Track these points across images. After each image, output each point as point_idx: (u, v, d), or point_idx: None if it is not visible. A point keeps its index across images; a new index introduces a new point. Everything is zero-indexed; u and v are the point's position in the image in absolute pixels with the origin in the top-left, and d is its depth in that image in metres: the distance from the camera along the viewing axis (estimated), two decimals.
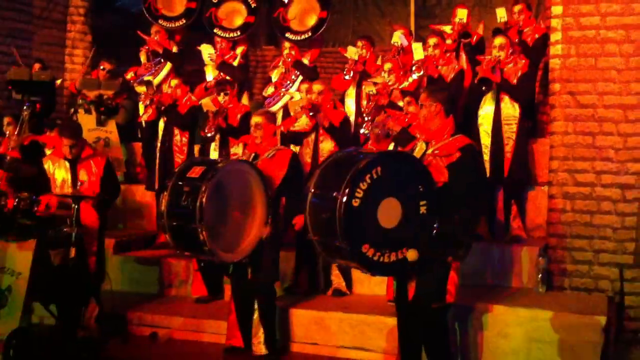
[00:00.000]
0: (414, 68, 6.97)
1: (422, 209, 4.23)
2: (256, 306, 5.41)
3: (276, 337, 5.49)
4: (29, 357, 5.16)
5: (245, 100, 8.22)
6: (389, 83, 6.92)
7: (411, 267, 4.24)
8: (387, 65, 7.10)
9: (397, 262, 4.19)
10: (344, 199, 3.99)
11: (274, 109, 7.76)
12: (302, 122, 6.76)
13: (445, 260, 4.36)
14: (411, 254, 4.17)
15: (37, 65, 8.29)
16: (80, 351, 5.52)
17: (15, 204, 5.53)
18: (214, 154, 7.05)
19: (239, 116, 7.05)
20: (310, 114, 6.56)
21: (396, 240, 4.17)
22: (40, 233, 5.45)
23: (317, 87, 6.73)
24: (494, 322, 5.33)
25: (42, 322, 5.90)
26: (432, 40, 7.12)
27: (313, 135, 6.64)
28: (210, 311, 6.15)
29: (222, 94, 7.08)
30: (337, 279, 6.29)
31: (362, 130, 6.48)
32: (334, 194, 4.03)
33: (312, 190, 4.28)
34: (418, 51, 7.03)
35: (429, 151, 4.48)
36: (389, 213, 4.14)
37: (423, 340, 4.50)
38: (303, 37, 8.27)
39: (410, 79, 7.01)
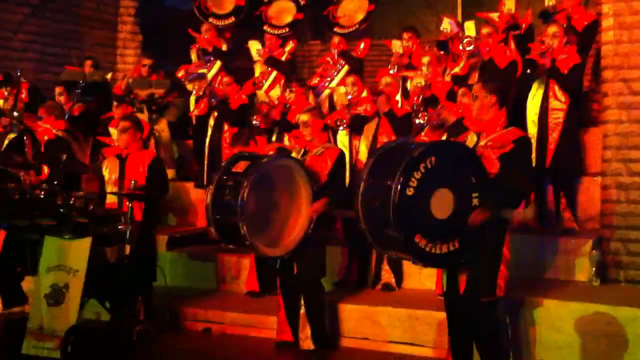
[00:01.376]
0: (465, 41, 6.91)
1: (475, 201, 4.20)
2: (302, 301, 5.45)
3: (325, 332, 5.51)
4: (86, 352, 5.26)
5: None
6: (428, 76, 6.88)
7: (461, 259, 4.21)
8: (425, 59, 7.06)
9: (449, 254, 4.16)
10: (399, 187, 3.97)
11: (320, 98, 7.81)
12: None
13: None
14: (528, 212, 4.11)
15: (89, 62, 8.47)
16: (135, 346, 5.67)
17: (71, 202, 5.67)
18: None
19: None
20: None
21: (448, 231, 4.14)
22: (95, 230, 5.56)
23: (350, 79, 6.84)
24: (547, 316, 5.24)
25: (98, 317, 6.04)
26: (485, 30, 7.02)
27: (374, 127, 6.59)
28: (262, 306, 6.20)
29: (288, 90, 7.14)
30: (387, 274, 6.28)
31: (417, 120, 6.44)
32: (388, 183, 4.02)
33: (365, 178, 4.27)
34: (470, 29, 6.97)
35: (482, 143, 4.43)
36: (442, 204, 4.12)
37: (473, 335, 4.47)
38: (351, 30, 8.31)
39: (461, 64, 6.95)
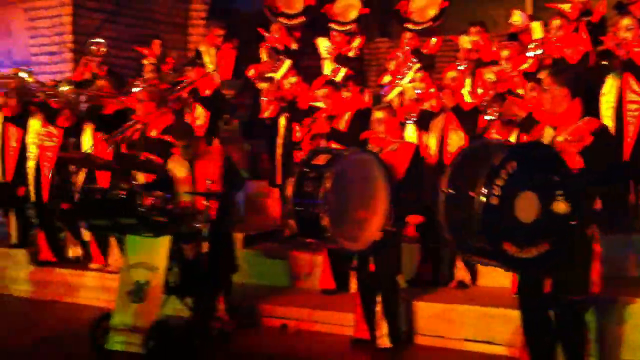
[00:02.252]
0: (532, 46, 6.78)
1: (559, 200, 4.10)
2: (379, 299, 5.45)
3: (400, 329, 5.51)
4: (166, 347, 5.39)
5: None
6: (507, 70, 6.77)
7: (553, 260, 4.15)
8: (505, 53, 6.94)
9: (539, 257, 4.07)
10: (481, 197, 3.91)
11: (388, 97, 7.79)
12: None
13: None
14: (560, 206, 4.04)
15: (157, 42, 8.64)
16: (214, 342, 5.79)
17: (152, 202, 5.83)
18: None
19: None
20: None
21: (535, 234, 4.05)
22: (174, 229, 5.68)
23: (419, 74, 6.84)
24: (635, 315, 5.10)
25: (178, 314, 6.20)
26: (555, 22, 6.88)
27: (441, 122, 6.54)
28: (337, 303, 6.24)
29: (344, 90, 7.17)
30: (461, 272, 6.24)
31: (485, 117, 6.36)
32: (470, 193, 3.98)
33: (445, 189, 4.23)
34: (537, 30, 6.84)
35: (559, 138, 4.35)
36: (527, 207, 4.02)
37: (559, 335, 4.39)
38: (423, 26, 8.26)
39: (530, 60, 6.83)
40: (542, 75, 6.35)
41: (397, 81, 7.86)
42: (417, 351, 5.61)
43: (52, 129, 7.51)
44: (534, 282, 4.41)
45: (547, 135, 4.46)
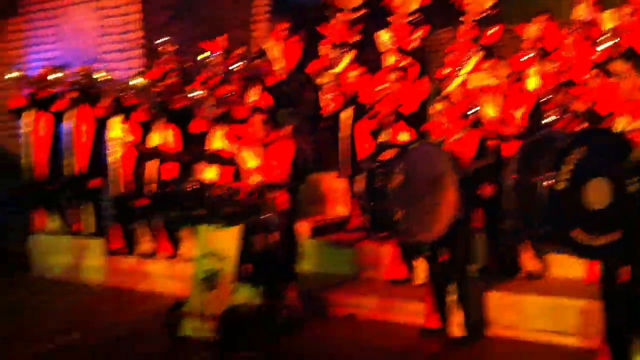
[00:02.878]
0: (603, 37, 6.66)
1: (631, 187, 4.06)
2: (451, 289, 5.47)
3: (472, 319, 5.51)
4: (238, 334, 5.51)
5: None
6: (569, 59, 6.68)
7: (625, 248, 4.10)
8: (568, 41, 6.84)
9: (611, 244, 4.03)
10: (548, 183, 3.91)
11: (449, 88, 7.75)
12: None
13: None
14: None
15: (222, 38, 8.79)
16: (283, 330, 5.89)
17: (220, 193, 5.97)
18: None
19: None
20: None
21: (607, 221, 4.01)
22: (243, 219, 5.81)
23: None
24: None
25: (249, 302, 6.32)
26: (627, 9, 6.74)
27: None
28: (405, 292, 6.26)
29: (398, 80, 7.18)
30: (531, 262, 6.18)
31: (547, 119, 6.26)
32: (537, 179, 3.97)
33: (512, 175, 4.22)
34: (608, 20, 6.71)
35: (633, 125, 4.29)
36: (597, 194, 3.99)
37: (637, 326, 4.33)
38: (482, 16, 8.19)
39: (599, 50, 6.71)
40: (616, 65, 6.26)
41: (456, 72, 7.82)
42: (489, 342, 5.60)
43: (130, 125, 7.73)
44: (609, 271, 4.36)
45: (619, 124, 4.40)
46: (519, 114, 6.41)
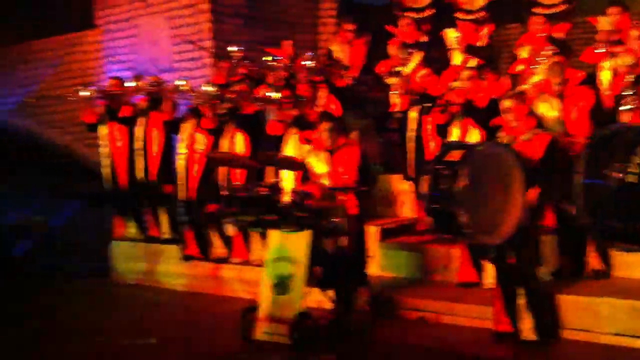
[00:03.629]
0: None
1: None
2: (520, 291, 5.41)
3: (545, 322, 5.45)
4: (310, 338, 5.62)
5: None
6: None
7: None
8: (634, 32, 6.63)
9: None
10: (618, 176, 3.82)
11: (524, 86, 7.62)
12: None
13: None
14: None
15: (288, 43, 8.91)
16: (354, 333, 5.96)
17: (291, 198, 6.07)
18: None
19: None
20: None
21: None
22: (314, 224, 5.89)
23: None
24: None
25: (320, 306, 6.42)
26: None
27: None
28: (476, 296, 6.23)
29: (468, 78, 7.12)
30: (596, 260, 6.06)
31: (622, 108, 6.10)
32: (606, 173, 3.88)
33: (581, 171, 4.15)
34: None
35: None
36: None
37: None
38: (554, 10, 8.01)
39: None
40: None
41: (532, 67, 7.67)
42: (564, 345, 5.52)
43: (201, 131, 7.93)
44: None
45: None
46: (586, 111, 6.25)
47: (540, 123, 6.17)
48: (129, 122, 8.57)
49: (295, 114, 7.52)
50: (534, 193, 5.33)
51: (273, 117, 7.65)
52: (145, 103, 8.48)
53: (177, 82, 8.13)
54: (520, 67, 7.83)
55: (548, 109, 6.24)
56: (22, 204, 11.35)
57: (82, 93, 8.44)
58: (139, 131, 8.51)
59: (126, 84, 8.62)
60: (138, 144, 8.49)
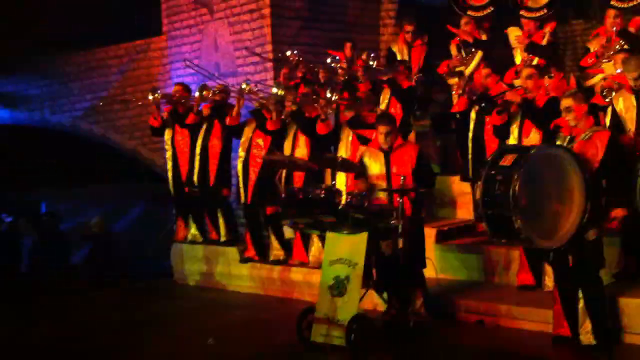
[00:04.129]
0: None
1: None
2: (581, 295, 5.29)
3: (607, 326, 5.32)
4: (366, 340, 5.60)
5: None
6: None
7: None
8: None
9: None
10: None
11: (592, 81, 7.44)
12: None
13: None
14: None
15: (349, 44, 8.94)
16: (411, 336, 5.94)
17: (348, 200, 6.09)
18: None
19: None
20: None
21: None
22: (371, 226, 5.89)
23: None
24: None
25: (376, 308, 6.44)
26: None
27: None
28: (535, 299, 6.13)
29: (546, 77, 6.98)
30: None
31: None
32: None
33: None
34: None
35: None
36: None
37: None
38: (632, 3, 7.78)
39: None
40: None
41: (603, 61, 7.48)
42: (626, 350, 5.38)
43: (260, 134, 8.03)
44: None
45: None
46: None
47: (618, 120, 6.02)
48: (193, 128, 8.75)
49: (351, 115, 7.54)
50: (620, 212, 5.24)
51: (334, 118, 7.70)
52: (209, 110, 8.61)
53: (243, 86, 8.19)
54: (590, 60, 7.63)
55: (626, 106, 6.02)
56: (87, 209, 11.75)
57: (149, 97, 8.68)
58: (201, 137, 8.66)
59: (192, 94, 8.80)
60: (199, 150, 8.65)
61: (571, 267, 5.29)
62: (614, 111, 6.10)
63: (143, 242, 10.67)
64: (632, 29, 7.55)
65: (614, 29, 7.43)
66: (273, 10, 9.58)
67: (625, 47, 7.26)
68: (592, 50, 7.65)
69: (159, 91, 8.81)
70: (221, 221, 8.70)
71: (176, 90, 8.90)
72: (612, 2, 7.80)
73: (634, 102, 5.92)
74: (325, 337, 5.75)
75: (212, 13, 10.29)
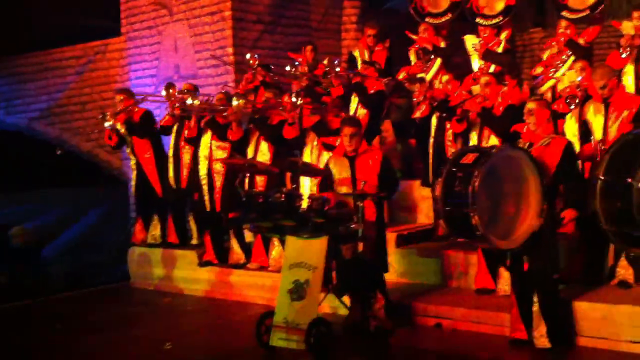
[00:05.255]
0: None
1: None
2: (536, 298, 5.37)
3: (561, 330, 5.41)
4: (326, 344, 5.58)
5: None
6: None
7: None
8: None
9: None
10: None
11: (541, 89, 7.59)
12: None
13: None
14: None
15: (309, 47, 8.92)
16: (371, 339, 5.95)
17: (310, 203, 6.07)
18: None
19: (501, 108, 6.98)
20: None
21: None
22: (331, 230, 5.87)
23: (579, 64, 6.62)
24: None
25: (336, 312, 6.43)
26: None
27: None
28: (492, 303, 6.19)
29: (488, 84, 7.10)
30: (623, 270, 5.97)
31: None
32: (629, 180, 3.85)
33: (602, 177, 4.11)
34: None
35: None
36: None
37: None
38: (581, 15, 7.98)
39: None
40: None
41: (550, 73, 7.65)
42: (580, 353, 5.46)
43: (220, 142, 7.93)
44: None
45: None
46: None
47: (586, 128, 6.11)
48: (153, 136, 8.63)
49: (316, 120, 7.53)
50: (569, 214, 5.31)
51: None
52: (179, 112, 8.37)
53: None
54: (539, 70, 7.80)
55: (595, 114, 6.11)
56: (44, 211, 11.50)
57: (105, 125, 8.39)
58: (173, 139, 8.56)
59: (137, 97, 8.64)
60: (171, 152, 8.55)
61: (527, 271, 5.36)
62: (582, 119, 6.21)
63: (101, 245, 10.49)
64: (582, 40, 7.74)
65: (562, 39, 7.62)
66: (234, 13, 9.57)
67: (572, 57, 7.46)
68: (544, 59, 7.82)
69: (107, 115, 8.43)
70: (192, 224, 8.63)
71: (120, 100, 8.58)
72: (562, 13, 8.02)
73: (602, 111, 6.02)
74: (284, 341, 5.72)
75: (172, 14, 10.21)
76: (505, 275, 6.18)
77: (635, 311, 5.39)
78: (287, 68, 8.12)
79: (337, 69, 8.06)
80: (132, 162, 8.77)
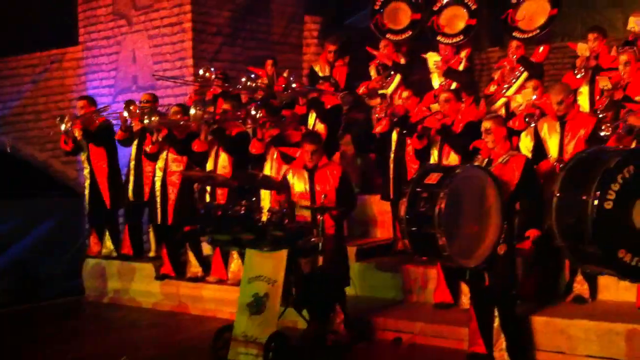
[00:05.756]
0: None
1: None
2: (496, 313, 5.40)
3: (520, 345, 5.45)
4: (284, 358, 5.54)
5: None
6: (625, 77, 6.56)
7: None
8: (623, 57, 6.72)
9: None
10: (595, 202, 3.85)
11: (495, 106, 7.71)
12: None
13: None
14: None
15: (269, 62, 8.90)
16: (330, 354, 5.92)
17: (269, 217, 6.03)
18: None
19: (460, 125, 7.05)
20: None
21: None
22: (290, 243, 5.84)
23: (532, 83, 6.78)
24: None
25: (295, 326, 6.37)
26: None
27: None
28: (451, 317, 6.22)
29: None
30: (579, 285, 6.07)
31: (602, 133, 6.12)
32: (584, 197, 3.91)
33: (558, 194, 4.16)
34: None
35: None
36: None
37: None
38: (531, 35, 8.15)
39: None
40: None
41: (503, 91, 7.79)
42: None
43: (177, 155, 7.83)
44: None
45: None
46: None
47: (541, 145, 6.17)
48: (110, 144, 8.49)
49: (275, 133, 7.50)
50: (533, 233, 5.40)
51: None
52: (140, 125, 8.25)
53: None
54: (492, 89, 7.94)
55: (550, 132, 6.20)
56: None
57: (61, 128, 8.28)
58: (134, 152, 8.41)
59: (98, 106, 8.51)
60: (133, 164, 8.40)
61: (487, 286, 5.40)
62: (537, 136, 6.26)
63: (53, 259, 10.23)
64: (533, 59, 7.91)
65: (514, 57, 7.78)
66: (194, 25, 9.51)
67: (525, 73, 7.61)
68: (495, 78, 7.96)
69: (65, 118, 8.33)
70: (152, 236, 8.48)
71: (81, 107, 8.50)
72: (513, 34, 8.22)
73: (558, 129, 6.11)
74: (242, 355, 5.65)
75: (131, 25, 10.10)
76: (465, 290, 6.21)
77: (590, 326, 5.48)
78: (243, 80, 8.07)
79: (294, 85, 8.02)
80: (86, 170, 8.62)
